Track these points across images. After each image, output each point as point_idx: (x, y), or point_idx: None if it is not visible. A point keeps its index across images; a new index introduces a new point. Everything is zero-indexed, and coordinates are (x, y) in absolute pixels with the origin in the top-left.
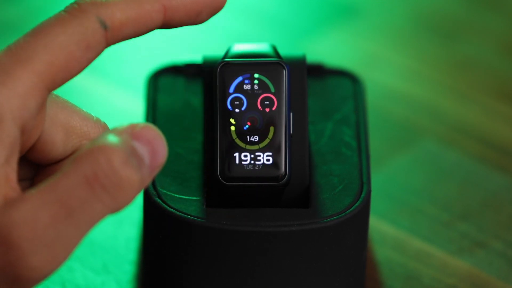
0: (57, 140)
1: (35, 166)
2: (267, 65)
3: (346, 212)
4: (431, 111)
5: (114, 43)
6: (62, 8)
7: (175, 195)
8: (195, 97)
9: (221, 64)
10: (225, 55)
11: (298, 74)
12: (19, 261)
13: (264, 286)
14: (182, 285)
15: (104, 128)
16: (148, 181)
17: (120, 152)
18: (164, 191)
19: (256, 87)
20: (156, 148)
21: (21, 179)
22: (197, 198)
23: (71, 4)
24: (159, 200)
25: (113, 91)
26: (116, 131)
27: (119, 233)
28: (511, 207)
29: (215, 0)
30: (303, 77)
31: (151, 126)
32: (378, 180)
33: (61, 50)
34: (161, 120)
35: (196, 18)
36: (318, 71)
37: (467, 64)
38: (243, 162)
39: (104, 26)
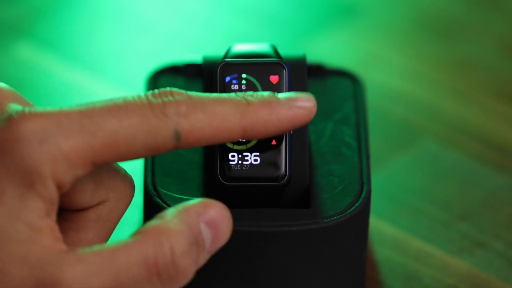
0: (86, 190)
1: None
2: (267, 65)
3: (346, 212)
4: (431, 111)
5: (184, 149)
6: (62, 7)
7: (175, 195)
8: None
9: (221, 64)
10: (225, 55)
11: (298, 74)
12: None
13: (264, 286)
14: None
15: (131, 183)
16: (202, 264)
17: (184, 240)
18: (164, 191)
19: (256, 87)
20: (221, 231)
21: None
22: (197, 198)
23: (160, 96)
24: (159, 200)
25: (113, 91)
26: (186, 209)
27: (119, 234)
28: (511, 207)
29: (300, 115)
30: (303, 77)
31: (222, 206)
32: (378, 180)
33: (126, 141)
34: None
35: (278, 133)
36: (318, 71)
37: (467, 64)
38: (243, 162)
39: (178, 139)
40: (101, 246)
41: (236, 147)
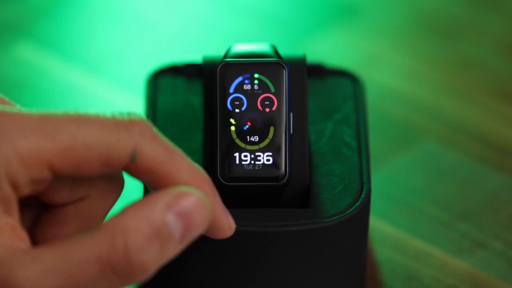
0: (63, 187)
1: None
2: (267, 65)
3: (346, 212)
4: (431, 111)
5: (130, 174)
6: (62, 7)
7: None
8: (195, 97)
9: (221, 64)
10: (225, 55)
11: (298, 74)
12: None
13: (264, 286)
14: (182, 285)
15: (116, 181)
16: (173, 254)
17: (140, 236)
18: None
19: (256, 87)
20: (195, 221)
21: (27, 205)
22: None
23: (129, 116)
24: None
25: (113, 91)
26: (150, 202)
27: None
28: (511, 207)
29: (224, 231)
30: (303, 77)
31: (196, 195)
32: (378, 180)
33: (83, 149)
34: (161, 120)
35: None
36: (318, 71)
37: (467, 64)
38: (243, 162)
39: (133, 159)
40: (57, 242)
41: (236, 146)
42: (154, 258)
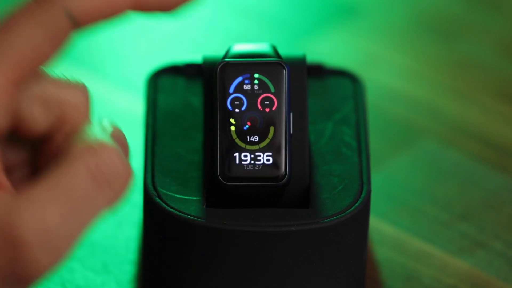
0: (36, 115)
1: (29, 146)
2: (267, 65)
3: (346, 212)
4: (431, 111)
5: (80, 31)
6: None
7: (175, 195)
8: (195, 97)
9: (221, 64)
10: (225, 55)
11: (298, 74)
12: (27, 259)
13: (264, 286)
14: (182, 285)
15: (83, 91)
16: None
17: (114, 148)
18: (164, 191)
19: (256, 87)
20: (127, 148)
21: (19, 164)
22: (197, 198)
23: None
24: (159, 200)
25: (113, 91)
26: (100, 130)
27: (119, 233)
28: (511, 207)
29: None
30: (303, 77)
31: (115, 125)
32: (378, 180)
33: (29, 47)
34: (161, 120)
35: (167, 9)
36: (318, 71)
37: (467, 64)
38: (243, 162)
39: (72, 19)
40: (42, 176)
41: (236, 146)
42: (129, 164)
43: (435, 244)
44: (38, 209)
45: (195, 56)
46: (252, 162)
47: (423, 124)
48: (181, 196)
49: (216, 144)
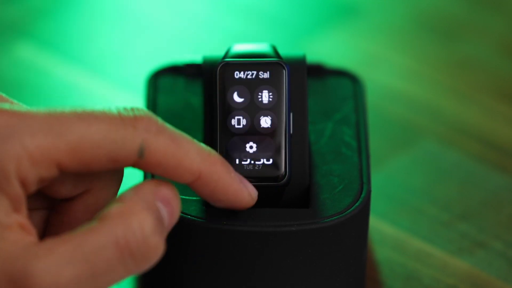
0: (66, 180)
1: (48, 197)
2: (267, 65)
3: (346, 212)
4: (431, 111)
5: (141, 169)
6: (62, 7)
7: None
8: (195, 97)
9: (221, 64)
10: (225, 55)
11: (298, 74)
12: None
13: (264, 286)
14: (182, 285)
15: (116, 170)
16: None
17: (151, 218)
18: None
19: (256, 87)
20: (174, 208)
21: (35, 209)
22: (197, 198)
23: (133, 111)
24: None
25: (113, 91)
26: (141, 190)
27: None
28: (511, 207)
29: (243, 196)
30: (303, 77)
31: (170, 184)
32: (378, 180)
33: (92, 147)
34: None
35: (221, 196)
36: (318, 71)
37: (467, 64)
38: (243, 162)
39: (141, 155)
40: (69, 233)
41: (236, 146)
42: (163, 242)
43: (435, 244)
44: (55, 263)
45: (195, 56)
46: (252, 162)
47: (423, 124)
48: (181, 196)
49: (216, 144)
